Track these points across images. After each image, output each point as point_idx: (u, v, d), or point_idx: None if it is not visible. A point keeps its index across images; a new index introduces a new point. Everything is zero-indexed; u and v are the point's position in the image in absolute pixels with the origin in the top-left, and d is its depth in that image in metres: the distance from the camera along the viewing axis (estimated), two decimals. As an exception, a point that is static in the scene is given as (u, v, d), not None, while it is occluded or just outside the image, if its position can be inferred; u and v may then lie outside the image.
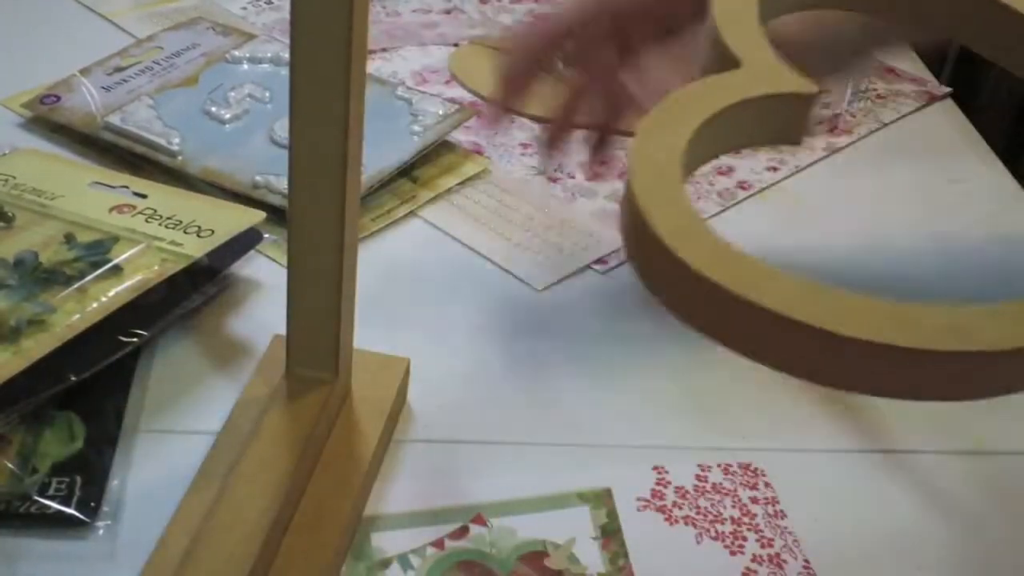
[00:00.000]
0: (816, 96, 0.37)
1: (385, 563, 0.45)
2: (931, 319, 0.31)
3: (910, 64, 0.86)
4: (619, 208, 0.34)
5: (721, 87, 0.36)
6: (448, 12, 0.86)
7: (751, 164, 0.72)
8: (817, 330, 0.31)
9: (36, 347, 0.47)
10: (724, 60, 0.37)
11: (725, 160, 0.72)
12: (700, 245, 0.31)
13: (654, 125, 0.33)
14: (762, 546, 0.48)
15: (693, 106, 0.34)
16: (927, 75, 0.85)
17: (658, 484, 0.50)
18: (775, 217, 0.69)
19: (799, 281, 0.31)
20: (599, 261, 0.63)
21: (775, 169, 0.72)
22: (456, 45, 0.82)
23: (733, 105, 0.35)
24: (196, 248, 0.53)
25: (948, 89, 0.82)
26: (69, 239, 0.53)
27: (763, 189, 0.70)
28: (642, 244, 0.32)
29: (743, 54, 0.37)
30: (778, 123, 0.37)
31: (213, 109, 0.68)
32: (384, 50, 0.81)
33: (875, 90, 0.81)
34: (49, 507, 0.45)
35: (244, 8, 0.85)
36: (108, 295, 0.50)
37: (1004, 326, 0.30)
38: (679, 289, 0.33)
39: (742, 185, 0.70)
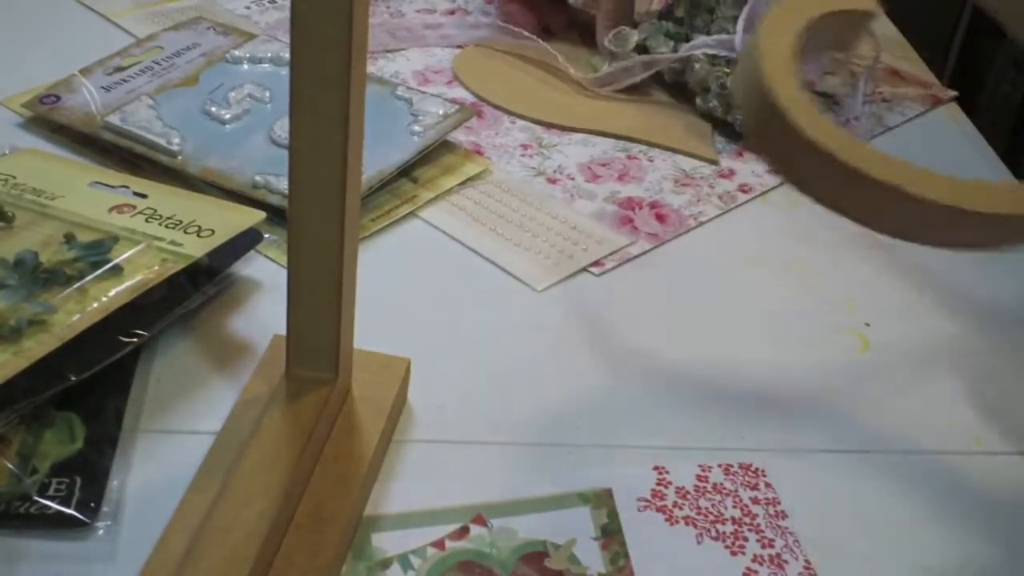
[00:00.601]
0: (872, 13, 0.48)
1: (385, 563, 0.45)
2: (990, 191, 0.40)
3: (911, 65, 0.86)
4: (738, 83, 0.46)
5: (813, 3, 0.45)
6: (452, 13, 0.86)
7: (752, 167, 0.72)
8: (897, 189, 0.39)
9: (36, 347, 0.47)
10: None
11: (726, 163, 0.72)
12: (812, 119, 0.39)
13: (772, 25, 0.43)
14: (763, 546, 0.48)
15: (798, 13, 0.44)
16: (932, 78, 0.85)
17: (659, 484, 0.50)
18: (776, 220, 0.69)
19: (886, 155, 0.40)
20: (595, 264, 0.63)
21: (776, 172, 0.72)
22: (460, 47, 0.82)
23: (823, 15, 0.44)
24: (196, 248, 0.53)
25: (954, 93, 0.82)
26: (69, 239, 0.53)
27: (764, 192, 0.70)
28: (763, 113, 0.41)
29: None
30: (846, 33, 0.50)
31: (213, 109, 0.68)
32: (388, 51, 0.81)
33: (880, 93, 0.81)
34: (49, 507, 0.44)
35: (248, 7, 0.85)
36: (108, 295, 0.50)
37: None
38: (787, 149, 0.41)
39: (743, 188, 0.70)
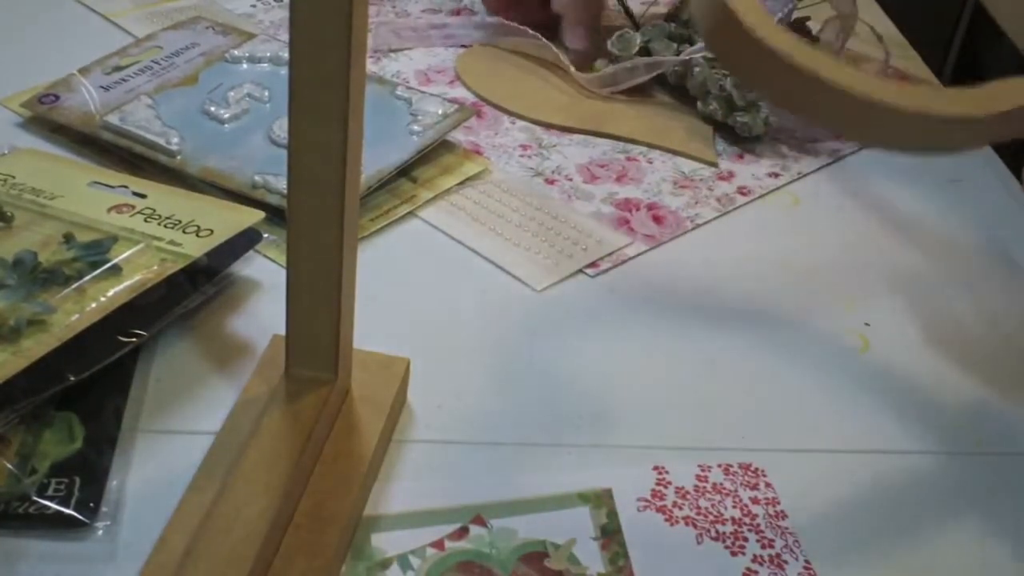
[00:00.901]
0: None
1: (385, 563, 0.45)
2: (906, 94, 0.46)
3: (910, 64, 0.86)
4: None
5: None
6: (458, 13, 0.86)
7: (752, 170, 0.72)
8: (828, 83, 0.44)
9: (35, 347, 0.47)
10: None
11: (726, 165, 0.72)
12: (759, 18, 0.44)
13: None
14: (763, 547, 0.48)
15: None
16: (934, 80, 0.85)
17: (658, 484, 0.50)
18: (775, 222, 0.69)
19: (819, 52, 0.45)
20: (591, 265, 0.62)
21: (776, 175, 0.72)
22: (465, 47, 0.82)
23: None
24: (195, 248, 0.53)
25: None
26: (68, 239, 0.53)
27: (763, 195, 0.70)
28: (717, 18, 0.46)
29: None
30: None
31: (212, 109, 0.68)
32: (392, 50, 0.81)
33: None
34: (48, 507, 0.44)
35: (253, 5, 0.85)
36: (107, 295, 0.50)
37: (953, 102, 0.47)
38: (736, 46, 0.46)
39: (742, 191, 0.70)
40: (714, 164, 0.72)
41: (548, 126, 0.74)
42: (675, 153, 0.73)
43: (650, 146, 0.73)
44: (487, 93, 0.77)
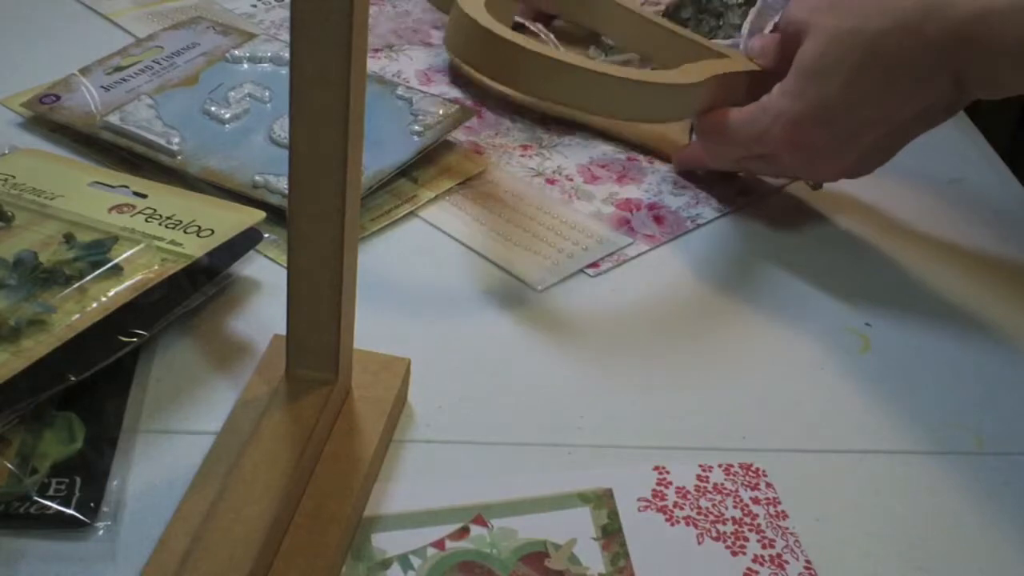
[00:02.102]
0: None
1: (385, 563, 0.45)
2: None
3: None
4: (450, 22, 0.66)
5: None
6: None
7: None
8: (548, 57, 0.60)
9: (36, 347, 0.47)
10: None
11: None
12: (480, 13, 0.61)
13: None
14: (763, 547, 0.48)
15: None
16: None
17: (659, 484, 0.50)
18: (775, 222, 0.69)
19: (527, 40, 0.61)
20: (592, 265, 0.62)
21: (776, 176, 0.72)
22: None
23: None
24: (196, 248, 0.53)
25: None
26: (69, 239, 0.53)
27: (764, 195, 0.70)
28: (467, 32, 0.62)
29: None
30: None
31: (213, 109, 0.68)
32: (391, 48, 0.81)
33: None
34: (49, 507, 0.44)
35: (254, 5, 0.85)
36: (108, 295, 0.50)
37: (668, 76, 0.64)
38: (463, 37, 0.63)
39: (742, 191, 0.70)
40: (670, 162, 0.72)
41: (534, 110, 0.74)
42: (653, 150, 0.73)
43: (630, 143, 0.73)
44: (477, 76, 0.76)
